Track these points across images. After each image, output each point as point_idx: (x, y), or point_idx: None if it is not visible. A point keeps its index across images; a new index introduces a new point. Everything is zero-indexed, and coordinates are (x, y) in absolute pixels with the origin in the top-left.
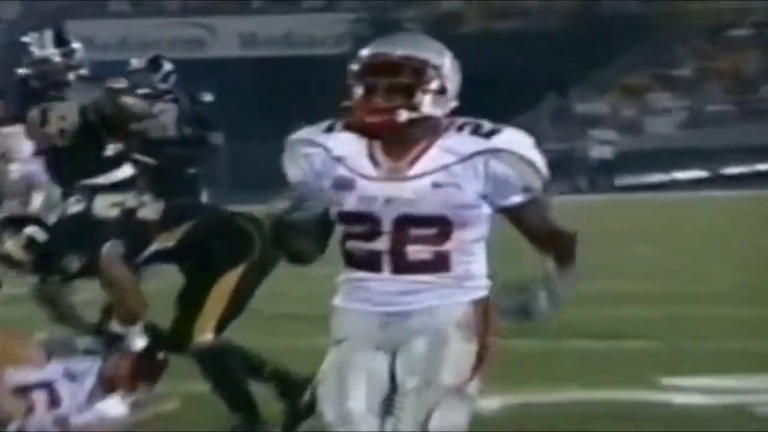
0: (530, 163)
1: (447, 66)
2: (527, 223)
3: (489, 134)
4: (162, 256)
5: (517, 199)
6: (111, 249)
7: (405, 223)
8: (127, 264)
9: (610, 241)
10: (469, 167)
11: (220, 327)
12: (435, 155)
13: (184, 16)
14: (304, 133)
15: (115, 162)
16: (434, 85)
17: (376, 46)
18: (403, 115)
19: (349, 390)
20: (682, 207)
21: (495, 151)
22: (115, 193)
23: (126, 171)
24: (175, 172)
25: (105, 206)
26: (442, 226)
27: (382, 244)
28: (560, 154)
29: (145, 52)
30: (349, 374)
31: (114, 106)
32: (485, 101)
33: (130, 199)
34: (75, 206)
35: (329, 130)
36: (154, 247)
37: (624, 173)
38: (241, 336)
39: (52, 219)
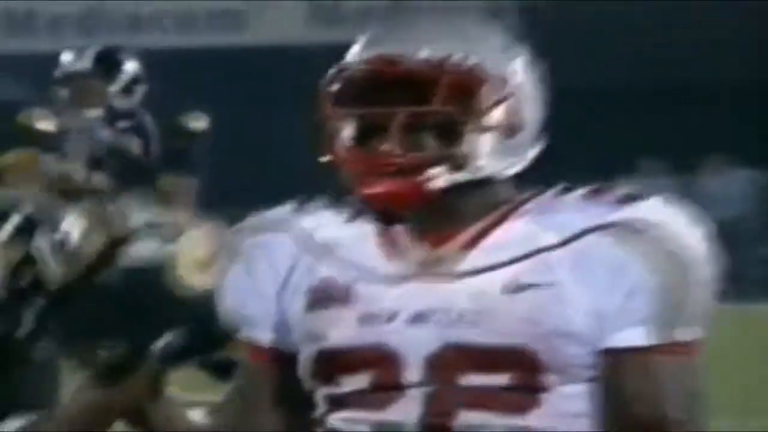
0: (693, 266)
1: (520, 76)
2: (623, 393)
3: (620, 201)
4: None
5: (636, 334)
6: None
7: (453, 363)
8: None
9: None
10: (580, 257)
11: None
12: (512, 233)
13: None
14: (256, 219)
15: None
16: (497, 115)
17: (375, 42)
18: (440, 180)
19: None
20: None
21: (630, 229)
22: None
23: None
24: None
25: (189, 261)
26: (523, 374)
27: (404, 411)
28: None
29: (128, 35)
30: None
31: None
32: (694, 138)
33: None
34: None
35: (304, 205)
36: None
37: None
38: None
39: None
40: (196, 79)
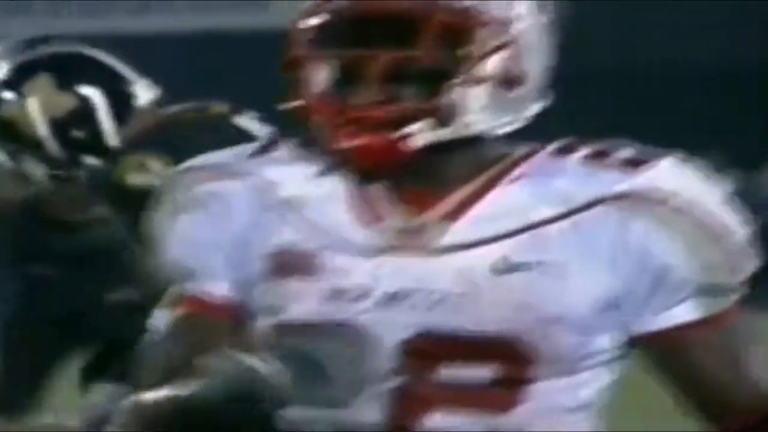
0: (723, 231)
1: (525, 20)
2: (697, 370)
3: (629, 165)
4: None
5: (681, 313)
6: None
7: (430, 353)
8: None
9: None
10: (586, 233)
11: None
12: (503, 202)
13: None
14: (214, 157)
15: None
16: (494, 64)
17: None
18: (421, 136)
19: None
20: None
21: (645, 198)
22: None
23: None
24: None
25: None
26: (510, 366)
27: (369, 410)
28: None
29: (134, 18)
30: None
31: None
32: None
33: None
34: None
35: (265, 151)
36: None
37: None
38: None
39: None
40: (210, 65)
